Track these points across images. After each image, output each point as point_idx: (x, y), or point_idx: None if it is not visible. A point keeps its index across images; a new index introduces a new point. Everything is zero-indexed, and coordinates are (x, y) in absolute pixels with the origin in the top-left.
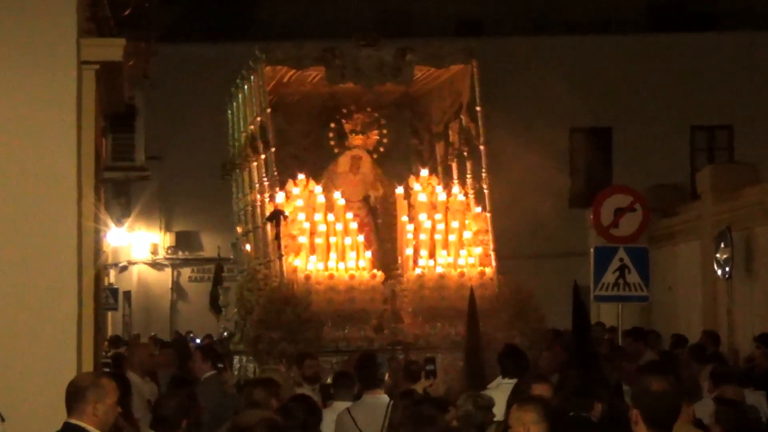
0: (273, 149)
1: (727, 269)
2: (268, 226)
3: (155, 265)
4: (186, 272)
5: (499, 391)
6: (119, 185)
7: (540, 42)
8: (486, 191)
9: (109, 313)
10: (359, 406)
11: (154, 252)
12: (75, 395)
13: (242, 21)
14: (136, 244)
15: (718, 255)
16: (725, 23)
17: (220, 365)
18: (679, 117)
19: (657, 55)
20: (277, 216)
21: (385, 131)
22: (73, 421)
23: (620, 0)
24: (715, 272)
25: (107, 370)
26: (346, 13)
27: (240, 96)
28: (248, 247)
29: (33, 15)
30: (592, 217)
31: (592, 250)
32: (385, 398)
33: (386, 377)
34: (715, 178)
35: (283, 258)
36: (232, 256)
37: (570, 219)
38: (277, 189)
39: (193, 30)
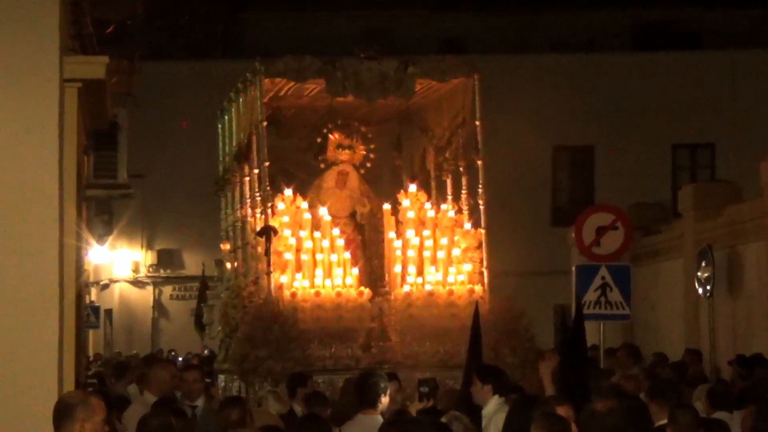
0: (266, 164)
1: (708, 288)
2: (258, 243)
3: (137, 283)
4: (168, 290)
5: (501, 411)
6: (101, 203)
7: (523, 60)
8: (482, 207)
9: (91, 331)
10: (352, 425)
11: (136, 270)
12: (63, 413)
13: (224, 39)
14: (118, 262)
15: (699, 273)
16: (708, 43)
17: (208, 380)
18: (661, 135)
19: (640, 73)
20: (268, 231)
21: (372, 146)
22: None
23: (604, 19)
24: (696, 290)
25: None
26: (328, 32)
27: (233, 110)
28: (234, 264)
29: (15, 32)
30: (574, 235)
31: (573, 268)
32: (379, 419)
33: (382, 398)
34: (696, 197)
35: (271, 274)
36: (216, 274)
37: (552, 237)
38: (269, 204)
39: (176, 48)
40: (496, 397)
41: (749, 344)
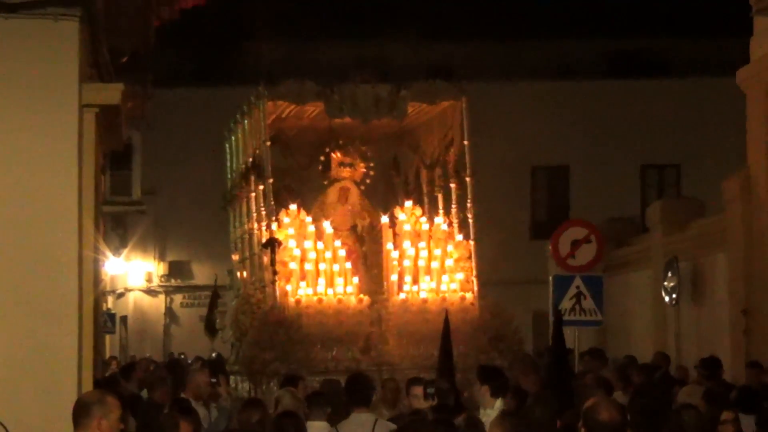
0: (270, 180)
1: (674, 296)
2: (264, 253)
3: (150, 291)
4: (178, 298)
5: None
6: (117, 218)
7: (504, 86)
8: (470, 220)
9: (107, 336)
10: (347, 423)
11: (149, 280)
12: (82, 411)
13: (229, 66)
14: (132, 273)
15: (666, 283)
16: (676, 70)
17: (213, 380)
18: (631, 156)
19: (612, 99)
20: (272, 243)
21: (371, 164)
22: None
23: (580, 48)
24: (664, 299)
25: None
26: (325, 59)
27: (239, 130)
28: (244, 273)
29: (39, 61)
30: (551, 247)
31: (551, 278)
32: (371, 416)
33: (373, 397)
34: (663, 213)
35: (276, 283)
36: (228, 282)
37: (531, 249)
38: (273, 218)
39: (185, 75)
40: (500, 400)
41: (712, 348)
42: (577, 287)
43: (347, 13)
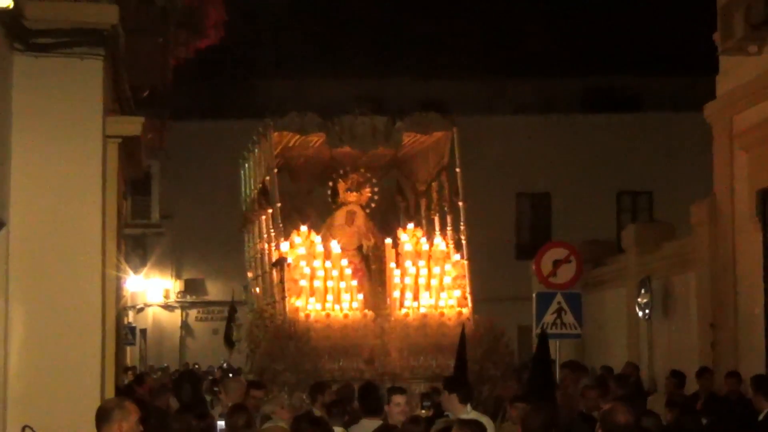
0: (279, 204)
1: (647, 311)
2: (274, 272)
3: (167, 307)
4: (193, 313)
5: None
6: (137, 239)
7: (491, 120)
8: (464, 241)
9: (128, 348)
10: (358, 428)
11: (166, 296)
12: (103, 416)
13: (239, 102)
14: (151, 290)
15: (639, 300)
16: (648, 106)
17: (215, 389)
18: (607, 184)
19: (589, 131)
20: (281, 262)
21: (376, 189)
22: None
23: (559, 85)
24: (637, 314)
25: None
26: (326, 95)
27: (251, 158)
28: (257, 289)
29: (67, 96)
30: (534, 267)
31: (534, 295)
32: (380, 423)
33: (384, 407)
34: (637, 235)
35: (286, 299)
36: (244, 298)
37: (516, 269)
38: (282, 239)
39: (200, 109)
40: (468, 406)
41: (681, 359)
42: (559, 303)
43: (347, 53)
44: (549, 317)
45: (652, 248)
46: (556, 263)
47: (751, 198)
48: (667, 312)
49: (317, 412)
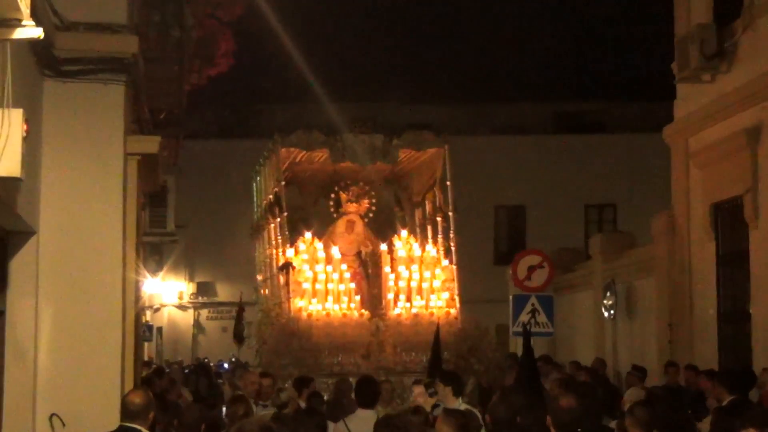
0: (285, 214)
1: (612, 312)
2: (280, 275)
3: (181, 307)
4: (204, 313)
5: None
6: (154, 246)
7: (474, 140)
8: (453, 248)
9: (146, 344)
10: (354, 418)
11: (180, 297)
12: (138, 407)
13: (246, 124)
14: (167, 291)
15: (605, 301)
16: (611, 128)
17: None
18: (576, 198)
19: (560, 151)
20: (287, 267)
21: (374, 200)
22: (129, 424)
23: (532, 109)
24: (603, 314)
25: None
26: (324, 118)
27: (262, 172)
28: (266, 291)
29: (91, 117)
30: (511, 272)
31: (511, 297)
32: (374, 413)
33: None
34: (603, 244)
35: (291, 300)
36: (255, 298)
37: (494, 274)
38: (288, 245)
39: (211, 130)
40: (460, 399)
41: (643, 355)
42: (533, 304)
43: (345, 80)
44: (524, 317)
45: (616, 255)
46: (531, 269)
47: (705, 211)
48: (629, 313)
49: (302, 402)
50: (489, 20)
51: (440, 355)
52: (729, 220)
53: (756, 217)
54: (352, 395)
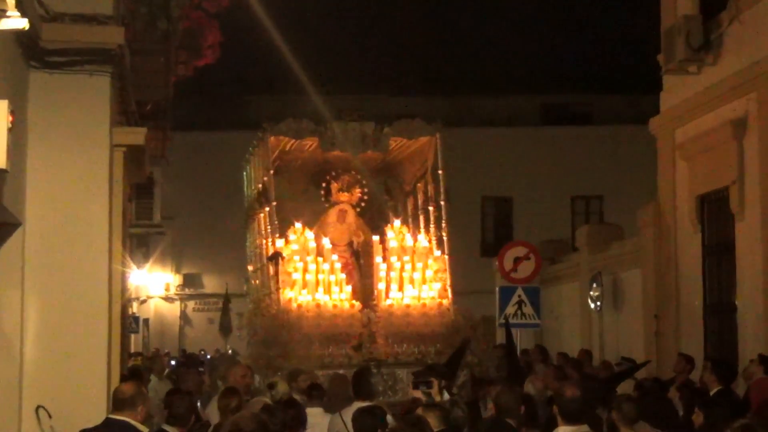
0: (274, 203)
1: (598, 304)
2: (270, 265)
3: (168, 299)
4: (191, 304)
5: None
6: (141, 238)
7: (460, 132)
8: (445, 238)
9: (132, 336)
10: (350, 410)
11: (167, 289)
12: (127, 399)
13: (233, 115)
14: (153, 283)
15: (591, 293)
16: (598, 120)
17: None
18: (562, 189)
19: (547, 143)
20: (276, 257)
21: (365, 189)
22: (117, 416)
23: (519, 102)
24: (589, 306)
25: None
26: (310, 110)
27: (252, 161)
28: (257, 281)
29: (77, 109)
30: (497, 263)
31: (497, 289)
32: (369, 405)
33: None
34: (589, 235)
35: (280, 290)
36: (245, 289)
37: (481, 265)
38: (278, 235)
39: (198, 121)
40: (445, 393)
41: (629, 346)
42: (519, 296)
43: (333, 71)
44: (510, 309)
45: (603, 247)
46: (517, 260)
47: (691, 202)
48: (616, 304)
49: (295, 395)
50: (476, 12)
51: (456, 369)
52: (715, 212)
53: (742, 209)
54: (348, 389)
